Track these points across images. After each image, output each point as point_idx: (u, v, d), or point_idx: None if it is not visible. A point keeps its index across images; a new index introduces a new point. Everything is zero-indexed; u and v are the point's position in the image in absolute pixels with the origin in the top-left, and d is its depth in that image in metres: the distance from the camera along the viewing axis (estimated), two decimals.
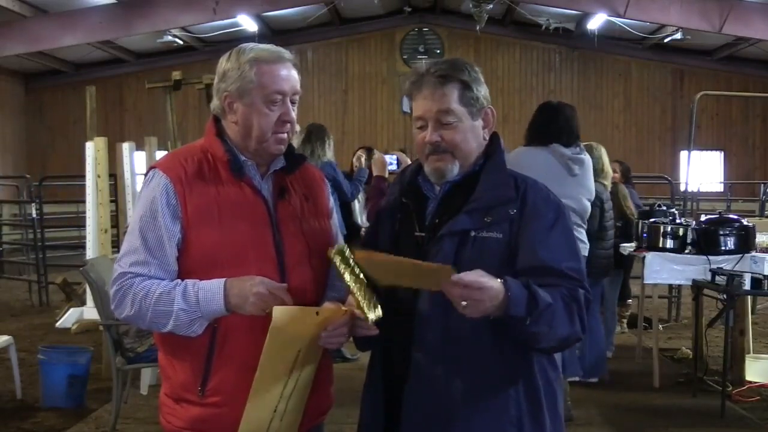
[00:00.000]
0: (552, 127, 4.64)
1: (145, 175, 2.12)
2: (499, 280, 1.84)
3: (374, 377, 2.11)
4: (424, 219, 2.08)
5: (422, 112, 2.06)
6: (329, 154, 6.32)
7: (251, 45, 2.10)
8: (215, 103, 2.12)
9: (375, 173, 4.61)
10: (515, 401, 1.98)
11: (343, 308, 2.00)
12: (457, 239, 1.97)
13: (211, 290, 1.95)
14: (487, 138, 2.09)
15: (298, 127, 2.21)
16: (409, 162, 5.05)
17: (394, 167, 4.82)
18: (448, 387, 1.96)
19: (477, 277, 1.81)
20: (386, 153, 4.97)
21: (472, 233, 1.97)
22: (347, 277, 1.94)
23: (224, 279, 1.96)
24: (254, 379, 1.93)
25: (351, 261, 1.95)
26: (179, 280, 1.99)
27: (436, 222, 2.04)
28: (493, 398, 1.97)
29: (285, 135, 2.09)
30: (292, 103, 2.09)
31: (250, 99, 2.04)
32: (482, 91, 2.06)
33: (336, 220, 2.30)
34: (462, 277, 1.79)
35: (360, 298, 1.91)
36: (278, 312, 1.89)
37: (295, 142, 6.10)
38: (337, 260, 1.95)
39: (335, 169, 6.26)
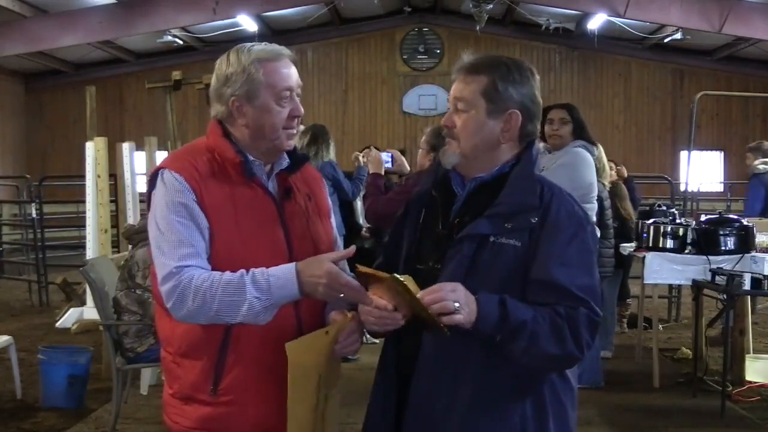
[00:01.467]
0: (587, 128, 5.03)
1: (152, 176, 2.08)
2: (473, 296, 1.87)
3: (385, 376, 2.11)
4: (449, 215, 2.08)
5: (449, 96, 2.10)
6: (332, 154, 6.35)
7: (248, 45, 2.10)
8: (219, 108, 2.09)
9: (371, 170, 4.62)
10: (520, 408, 1.97)
11: (348, 315, 2.00)
12: (476, 243, 1.97)
13: (282, 277, 1.94)
14: (504, 142, 2.05)
15: (301, 127, 2.23)
16: (404, 160, 5.10)
17: (389, 165, 4.84)
18: (452, 389, 1.96)
19: (453, 285, 1.86)
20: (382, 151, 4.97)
21: (491, 238, 1.97)
22: (410, 298, 1.86)
23: (293, 264, 1.96)
24: (288, 417, 1.96)
25: (404, 283, 1.86)
26: (243, 270, 1.96)
27: (457, 222, 2.04)
28: (496, 403, 1.96)
29: (294, 130, 2.11)
30: (297, 96, 2.11)
31: (260, 100, 2.05)
32: (514, 93, 2.02)
33: (334, 220, 2.31)
34: (431, 288, 1.84)
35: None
36: (292, 348, 1.93)
37: (297, 142, 6.12)
38: (400, 288, 1.86)
39: (335, 168, 6.27)
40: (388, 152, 4.91)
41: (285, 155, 2.15)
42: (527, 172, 2.04)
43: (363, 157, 6.80)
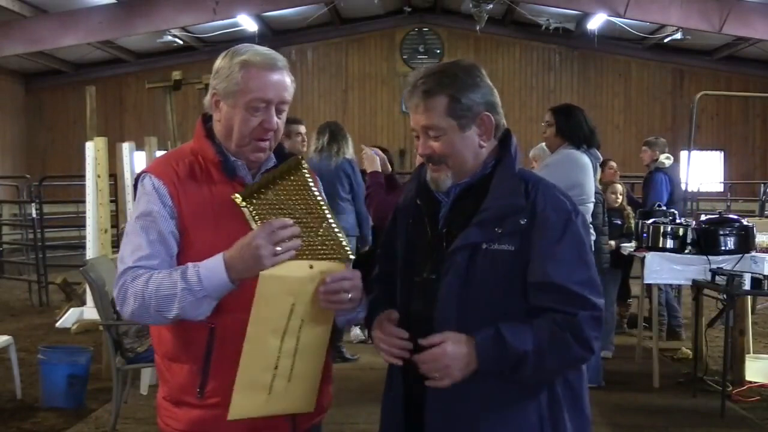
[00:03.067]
0: (586, 130, 5.04)
1: (136, 179, 2.10)
2: (465, 340, 1.89)
3: (395, 382, 2.10)
4: (437, 221, 2.07)
5: (413, 125, 2.07)
6: (350, 150, 6.35)
7: (247, 47, 2.08)
8: (207, 98, 2.12)
9: (369, 169, 4.54)
10: (535, 405, 1.97)
11: (344, 265, 1.99)
12: (469, 252, 1.96)
13: (210, 266, 1.91)
14: (485, 144, 2.05)
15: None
16: (384, 156, 5.04)
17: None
18: (469, 391, 1.95)
19: (441, 349, 1.88)
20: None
21: (484, 246, 1.96)
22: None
23: (222, 253, 1.91)
24: (247, 332, 1.90)
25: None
26: (182, 266, 1.95)
27: (445, 231, 2.04)
28: (513, 403, 1.96)
29: (265, 143, 2.06)
30: (279, 111, 2.06)
31: (233, 101, 2.03)
32: (476, 98, 2.01)
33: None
34: (422, 357, 1.89)
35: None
36: (265, 277, 1.87)
37: (315, 142, 6.15)
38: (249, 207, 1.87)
39: (354, 167, 6.26)
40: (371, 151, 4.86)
41: (272, 155, 2.13)
42: (509, 172, 2.03)
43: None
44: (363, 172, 6.42)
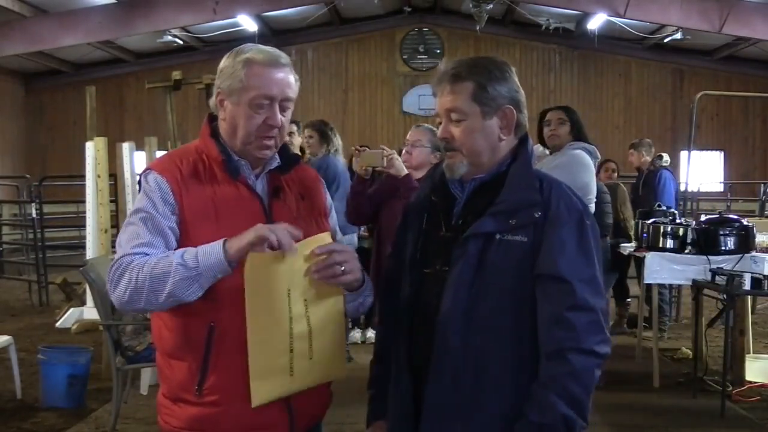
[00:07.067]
0: (584, 128, 5.04)
1: (140, 176, 2.11)
2: None
3: (399, 370, 2.10)
4: (451, 218, 2.09)
5: (437, 109, 2.10)
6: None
7: (251, 46, 2.10)
8: (212, 99, 2.13)
9: (401, 174, 4.37)
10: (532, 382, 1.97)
11: (327, 234, 2.01)
12: (482, 241, 1.98)
13: (210, 246, 1.91)
14: (504, 137, 2.07)
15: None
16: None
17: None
18: (469, 380, 1.96)
19: None
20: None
21: (497, 236, 1.97)
22: None
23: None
24: (246, 323, 1.91)
25: None
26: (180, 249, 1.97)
27: (461, 223, 2.05)
28: (513, 393, 1.96)
29: (271, 141, 2.07)
30: (283, 109, 2.07)
31: (237, 99, 2.04)
32: (503, 90, 2.04)
33: (335, 218, 2.29)
34: None
35: None
36: (253, 258, 1.88)
37: (330, 141, 6.11)
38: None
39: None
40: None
41: (276, 155, 2.14)
42: (525, 169, 2.06)
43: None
44: (352, 172, 6.41)
